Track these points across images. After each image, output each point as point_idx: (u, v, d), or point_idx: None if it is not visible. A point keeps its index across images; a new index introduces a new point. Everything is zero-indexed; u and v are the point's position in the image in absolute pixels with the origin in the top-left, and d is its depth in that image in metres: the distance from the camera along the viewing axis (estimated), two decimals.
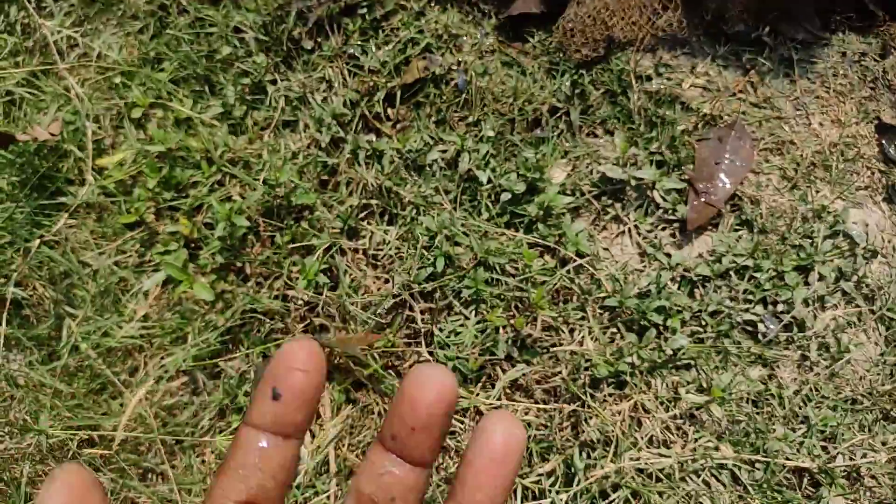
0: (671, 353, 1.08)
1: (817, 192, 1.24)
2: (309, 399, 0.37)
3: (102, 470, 1.10)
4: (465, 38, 1.32)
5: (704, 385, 1.09)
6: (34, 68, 1.40)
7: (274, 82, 1.31)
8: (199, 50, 1.35)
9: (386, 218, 1.24)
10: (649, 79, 1.31)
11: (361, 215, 1.24)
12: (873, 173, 1.26)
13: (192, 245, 1.25)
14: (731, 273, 1.15)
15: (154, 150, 1.26)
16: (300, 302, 1.20)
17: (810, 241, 1.18)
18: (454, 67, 1.29)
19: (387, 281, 1.20)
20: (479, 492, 0.36)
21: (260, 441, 0.37)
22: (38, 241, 1.20)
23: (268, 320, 1.20)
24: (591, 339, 1.09)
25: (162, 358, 1.18)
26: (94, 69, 1.39)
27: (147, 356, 1.20)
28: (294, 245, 1.21)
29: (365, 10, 1.32)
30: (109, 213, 1.28)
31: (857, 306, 1.16)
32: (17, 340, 1.19)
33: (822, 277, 1.16)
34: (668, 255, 1.17)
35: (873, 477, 1.07)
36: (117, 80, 1.37)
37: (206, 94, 1.34)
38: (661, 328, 1.11)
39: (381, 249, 1.21)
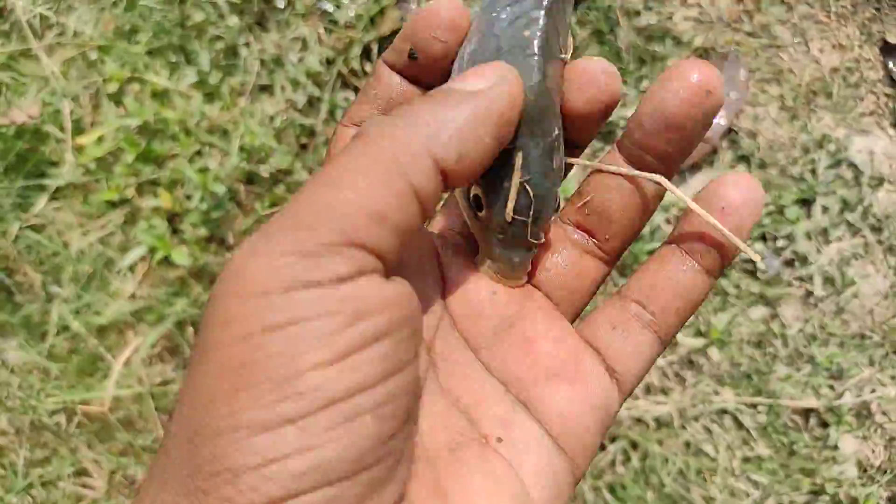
0: None
1: (819, 120, 1.17)
2: (443, 68, 0.35)
3: (98, 447, 1.11)
4: None
5: (703, 329, 1.05)
6: (11, 51, 1.39)
7: (248, 45, 1.28)
8: (172, 18, 1.32)
9: None
10: (638, 14, 1.25)
11: None
12: (878, 98, 1.19)
13: (176, 219, 1.24)
14: None
15: (131, 124, 1.24)
16: None
17: (812, 172, 1.12)
18: None
19: None
20: (643, 151, 0.34)
21: (395, 78, 0.36)
22: (19, 224, 1.20)
23: None
24: None
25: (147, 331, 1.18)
26: (71, 47, 1.37)
27: (137, 333, 1.20)
28: (275, 210, 1.19)
29: None
30: (93, 192, 1.27)
31: (863, 237, 1.10)
32: (9, 326, 1.20)
33: (825, 210, 1.11)
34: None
35: (884, 413, 1.03)
36: (94, 56, 1.35)
37: (182, 63, 1.32)
38: None
39: None
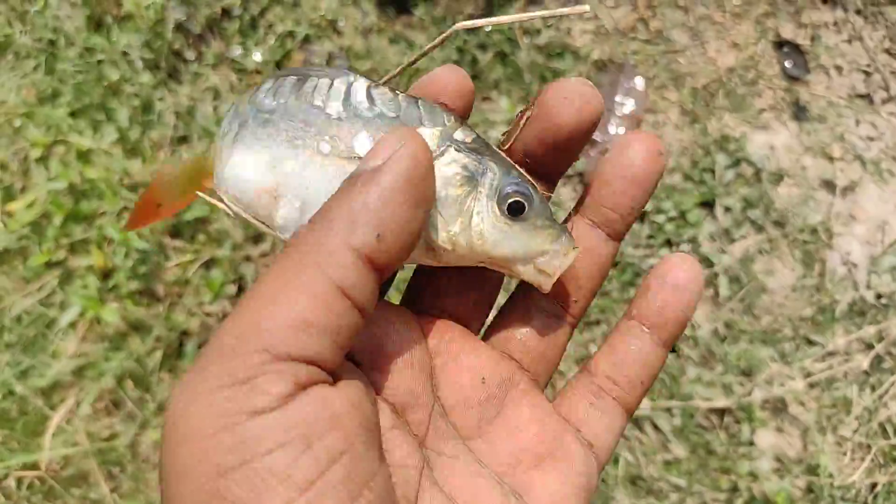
0: None
1: (719, 121, 1.18)
2: None
3: None
4: (343, 22, 1.28)
5: None
6: None
7: (162, 99, 1.29)
8: (90, 79, 1.34)
9: None
10: (538, 32, 1.26)
11: None
12: (776, 92, 1.20)
13: (110, 275, 1.25)
14: None
15: (57, 187, 1.26)
16: (221, 315, 1.20)
17: (711, 173, 1.13)
18: (334, 54, 1.25)
19: None
20: (610, 209, 0.36)
21: None
22: None
23: (193, 337, 1.20)
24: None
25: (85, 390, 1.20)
26: None
27: (80, 390, 1.22)
28: (199, 260, 1.20)
29: (241, 11, 1.28)
30: (28, 256, 1.29)
31: (767, 233, 1.11)
32: None
33: (727, 210, 1.12)
34: None
35: (801, 403, 1.04)
36: (18, 122, 1.37)
37: (104, 121, 1.33)
38: None
39: None
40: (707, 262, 1.09)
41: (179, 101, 1.28)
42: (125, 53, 1.33)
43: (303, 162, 0.34)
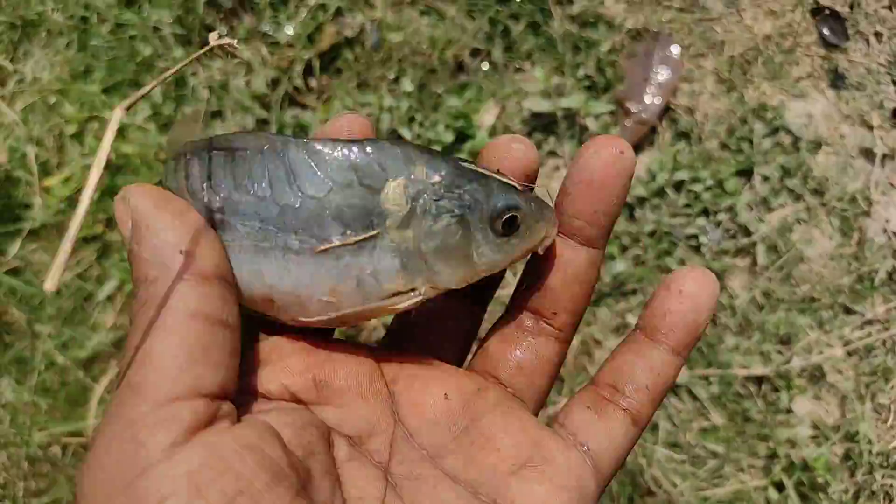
0: (612, 280, 1.06)
1: (756, 89, 1.17)
2: None
3: None
4: None
5: None
6: None
7: (195, 74, 1.29)
8: (122, 55, 1.34)
9: None
10: (571, 2, 1.25)
11: None
12: (814, 60, 1.18)
13: None
14: (668, 189, 1.10)
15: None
16: None
17: (749, 142, 1.12)
18: (367, 26, 1.24)
19: None
20: (573, 216, 0.36)
21: None
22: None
23: None
24: None
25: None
26: (30, 93, 1.39)
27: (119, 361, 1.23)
28: None
29: None
30: (65, 231, 1.30)
31: (806, 202, 1.10)
32: (2, 365, 1.24)
33: (765, 179, 1.10)
34: None
35: (839, 372, 1.03)
36: (52, 99, 1.37)
37: None
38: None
39: None
40: (745, 230, 1.08)
41: (212, 76, 1.28)
42: (157, 29, 1.33)
43: (279, 267, 0.32)
